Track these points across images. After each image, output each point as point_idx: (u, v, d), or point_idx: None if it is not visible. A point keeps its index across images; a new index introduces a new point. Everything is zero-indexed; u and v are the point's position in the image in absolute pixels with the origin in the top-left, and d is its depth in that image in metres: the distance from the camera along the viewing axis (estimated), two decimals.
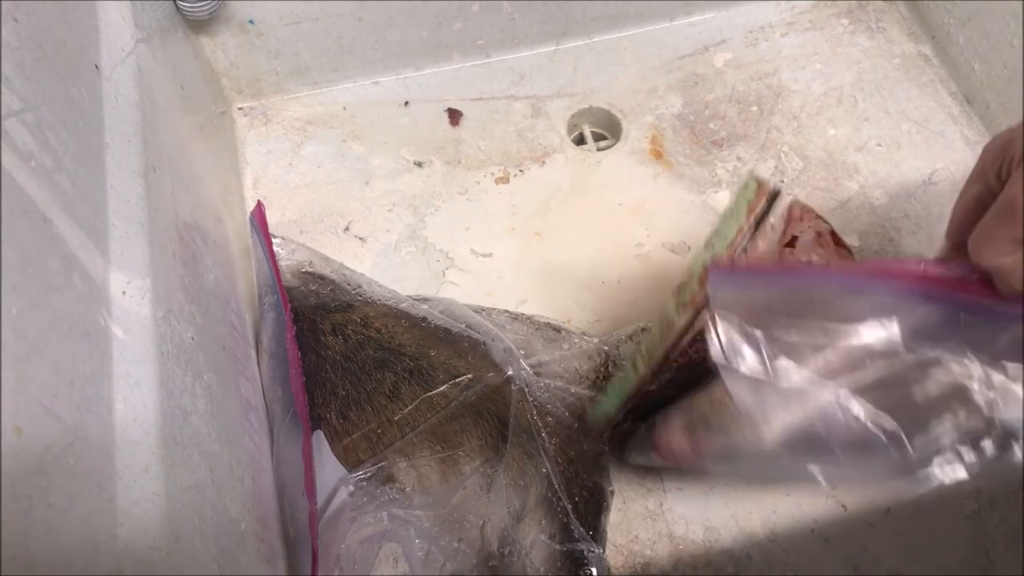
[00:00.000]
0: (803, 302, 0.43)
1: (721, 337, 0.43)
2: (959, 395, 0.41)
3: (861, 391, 0.42)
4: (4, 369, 0.29)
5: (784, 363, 0.42)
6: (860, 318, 0.41)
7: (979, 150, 0.75)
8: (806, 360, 0.42)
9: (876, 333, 0.41)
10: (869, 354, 0.42)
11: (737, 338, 0.43)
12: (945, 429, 0.41)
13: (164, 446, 0.39)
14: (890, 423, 0.42)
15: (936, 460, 0.42)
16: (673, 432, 0.49)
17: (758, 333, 0.43)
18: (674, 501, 0.60)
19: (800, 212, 0.51)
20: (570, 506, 0.52)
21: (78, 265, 0.37)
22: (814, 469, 0.44)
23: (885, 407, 0.42)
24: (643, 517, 0.60)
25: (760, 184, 0.49)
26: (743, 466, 0.48)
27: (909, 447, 0.41)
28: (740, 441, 0.46)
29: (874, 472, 0.44)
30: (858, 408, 0.42)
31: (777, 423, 0.43)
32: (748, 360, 0.43)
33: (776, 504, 0.60)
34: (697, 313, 0.48)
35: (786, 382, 0.42)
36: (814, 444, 0.43)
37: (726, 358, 0.43)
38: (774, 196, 0.49)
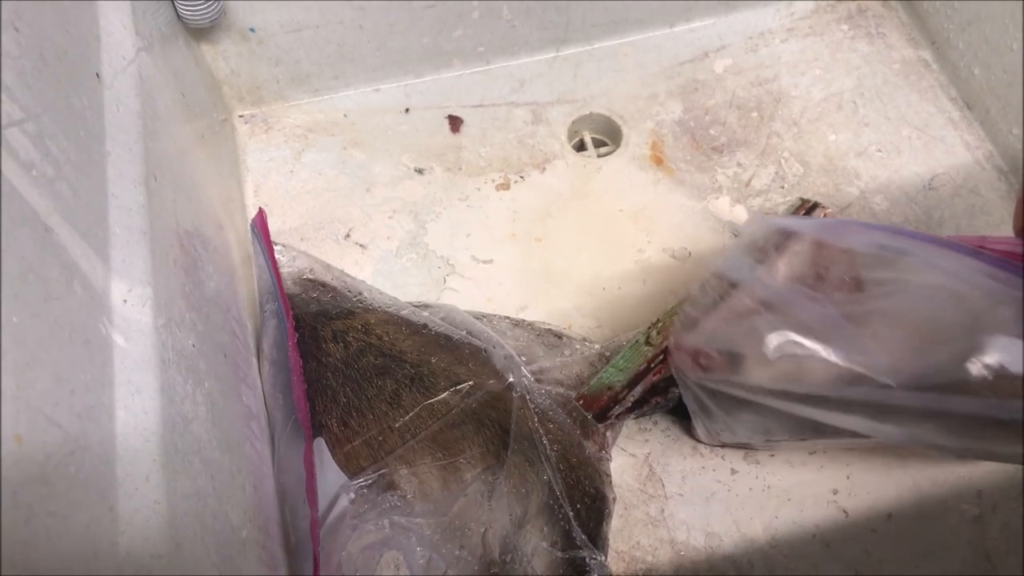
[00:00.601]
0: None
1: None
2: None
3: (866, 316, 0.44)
4: (5, 377, 0.29)
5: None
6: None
7: (979, 155, 0.76)
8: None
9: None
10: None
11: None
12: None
13: (165, 454, 0.39)
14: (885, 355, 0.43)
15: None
16: (690, 337, 0.50)
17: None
18: (675, 507, 0.60)
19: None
20: (572, 513, 0.52)
21: (79, 273, 0.37)
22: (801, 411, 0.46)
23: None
24: (644, 523, 0.60)
25: (802, 200, 0.63)
26: (743, 388, 0.49)
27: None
28: (748, 358, 0.47)
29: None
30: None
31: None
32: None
33: (778, 509, 0.60)
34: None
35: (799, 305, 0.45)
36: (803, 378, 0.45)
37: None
38: (812, 207, 0.60)
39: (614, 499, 0.57)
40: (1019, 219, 0.47)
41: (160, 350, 0.42)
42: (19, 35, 0.38)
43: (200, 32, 0.72)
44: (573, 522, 0.52)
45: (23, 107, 0.36)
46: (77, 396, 0.34)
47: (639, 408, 0.56)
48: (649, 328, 0.58)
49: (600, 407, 0.56)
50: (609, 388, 0.56)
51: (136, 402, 0.39)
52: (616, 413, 0.56)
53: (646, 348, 0.56)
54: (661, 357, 0.54)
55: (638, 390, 0.55)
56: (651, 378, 0.55)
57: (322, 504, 0.53)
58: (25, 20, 0.39)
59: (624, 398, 0.56)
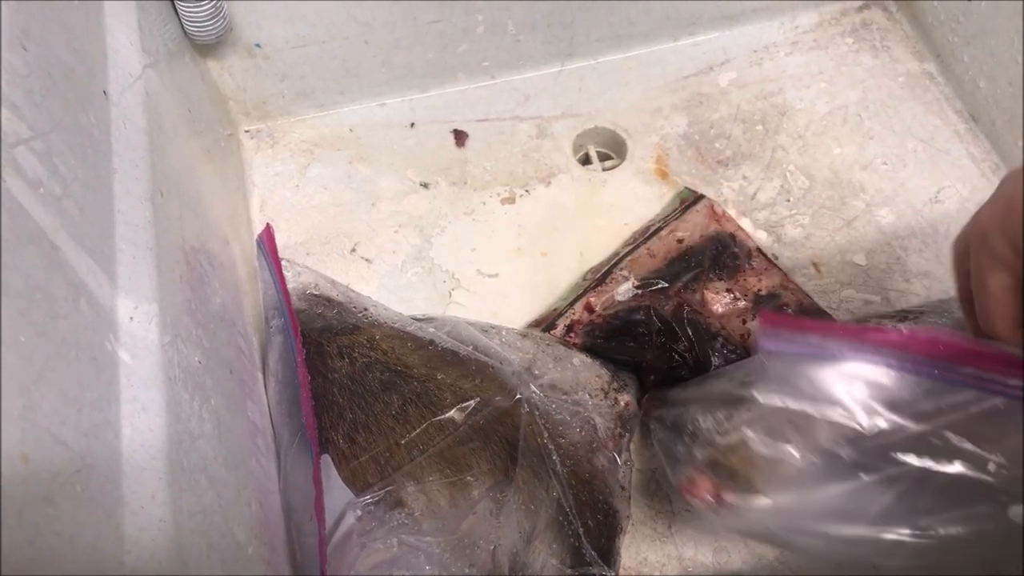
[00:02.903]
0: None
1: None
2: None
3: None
4: (12, 396, 0.29)
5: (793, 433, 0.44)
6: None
7: (985, 168, 0.76)
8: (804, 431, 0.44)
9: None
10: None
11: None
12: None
13: (171, 472, 0.39)
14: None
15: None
16: (701, 475, 0.50)
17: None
18: (683, 523, 0.60)
19: (722, 211, 0.71)
20: (582, 529, 0.52)
21: (86, 291, 0.37)
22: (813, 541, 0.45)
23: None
24: (652, 539, 0.59)
25: (692, 191, 0.73)
26: (759, 526, 0.48)
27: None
28: (761, 500, 0.46)
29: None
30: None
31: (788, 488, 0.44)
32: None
33: None
34: (633, 246, 0.69)
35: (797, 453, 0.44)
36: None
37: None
38: (696, 199, 0.72)
39: (628, 516, 0.56)
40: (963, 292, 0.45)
41: (166, 367, 0.42)
42: (27, 54, 0.38)
43: (206, 48, 0.72)
44: (583, 538, 0.52)
45: (31, 125, 0.36)
46: (83, 414, 0.34)
47: (604, 340, 0.65)
48: (585, 272, 0.71)
49: (548, 320, 0.67)
50: (555, 309, 0.68)
51: (142, 420, 0.39)
52: (563, 324, 0.66)
53: (582, 283, 0.70)
54: (592, 287, 0.68)
55: (577, 306, 0.66)
56: (587, 298, 0.67)
57: (328, 521, 0.52)
58: (33, 39, 0.39)
59: (565, 312, 0.66)
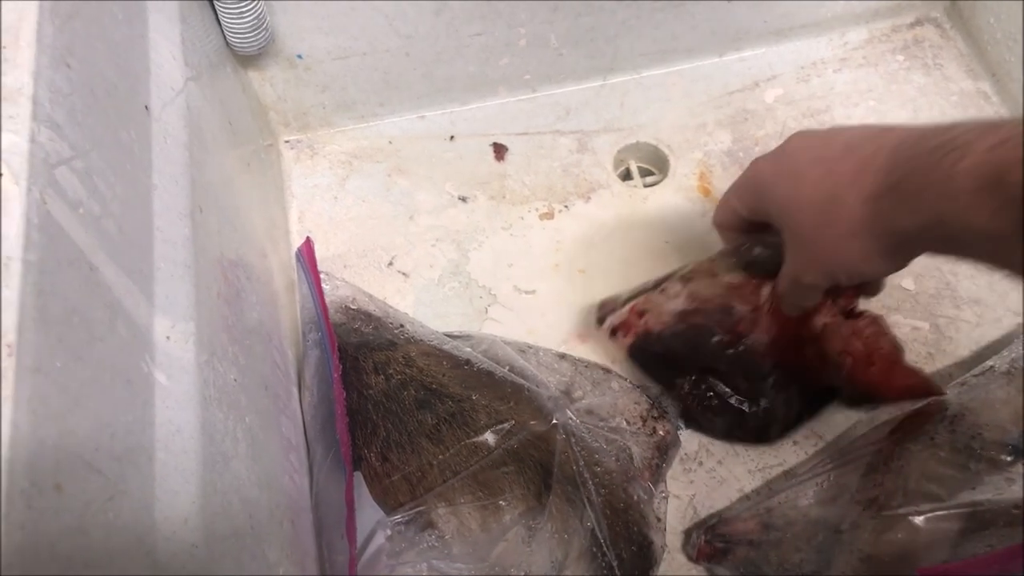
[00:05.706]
0: None
1: None
2: None
3: None
4: (47, 425, 0.29)
5: None
6: None
7: None
8: None
9: None
10: None
11: None
12: None
13: (204, 495, 0.38)
14: None
15: None
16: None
17: None
18: None
19: None
20: (615, 561, 0.51)
21: (123, 312, 0.37)
22: None
23: None
24: (688, 567, 0.58)
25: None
26: None
27: None
28: None
29: None
30: None
31: None
32: None
33: None
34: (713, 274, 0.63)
35: None
36: None
37: None
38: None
39: (663, 547, 0.55)
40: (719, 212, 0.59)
41: (202, 387, 0.41)
42: (71, 71, 0.38)
43: (248, 59, 0.72)
44: (616, 570, 0.51)
45: (72, 144, 0.36)
46: (118, 439, 0.34)
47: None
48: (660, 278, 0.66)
49: (611, 307, 0.65)
50: (616, 302, 0.65)
51: (176, 442, 0.38)
52: (614, 322, 0.64)
53: (645, 287, 0.65)
54: (650, 289, 0.64)
55: (641, 300, 0.63)
56: (636, 303, 0.63)
57: (359, 539, 0.52)
58: (77, 56, 0.39)
59: (619, 307, 0.64)
